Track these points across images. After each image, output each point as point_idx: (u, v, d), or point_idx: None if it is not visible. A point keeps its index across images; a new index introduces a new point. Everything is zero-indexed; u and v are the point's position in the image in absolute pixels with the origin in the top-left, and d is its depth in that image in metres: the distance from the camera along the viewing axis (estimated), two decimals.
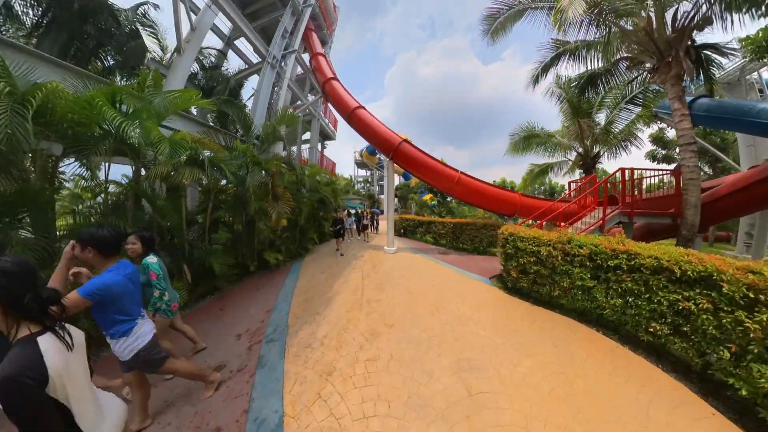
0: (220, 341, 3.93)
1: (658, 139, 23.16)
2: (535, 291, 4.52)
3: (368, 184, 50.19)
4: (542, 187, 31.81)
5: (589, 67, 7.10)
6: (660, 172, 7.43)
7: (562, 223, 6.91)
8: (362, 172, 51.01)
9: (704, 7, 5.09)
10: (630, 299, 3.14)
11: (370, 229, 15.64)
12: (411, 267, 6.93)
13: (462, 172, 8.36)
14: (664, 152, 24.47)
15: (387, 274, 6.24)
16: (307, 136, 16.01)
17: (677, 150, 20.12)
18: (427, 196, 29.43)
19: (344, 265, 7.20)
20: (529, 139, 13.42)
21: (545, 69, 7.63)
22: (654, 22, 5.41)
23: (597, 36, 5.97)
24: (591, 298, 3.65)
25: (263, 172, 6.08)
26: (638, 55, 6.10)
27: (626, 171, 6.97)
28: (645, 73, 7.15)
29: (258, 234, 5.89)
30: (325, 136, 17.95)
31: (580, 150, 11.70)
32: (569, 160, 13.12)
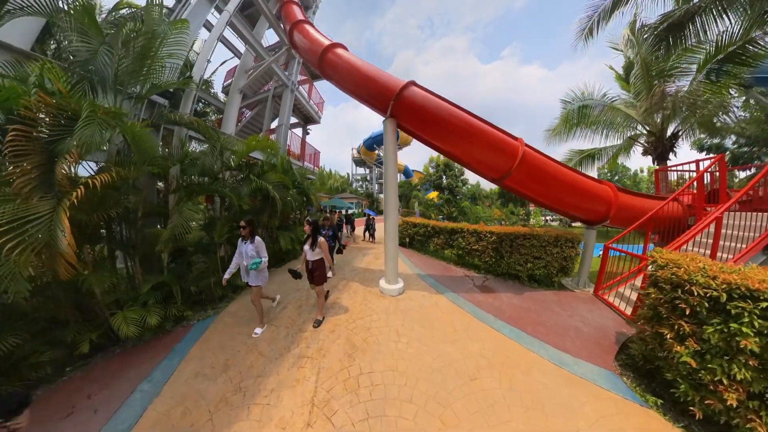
0: None
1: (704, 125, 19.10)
2: None
3: (366, 183, 46.50)
4: None
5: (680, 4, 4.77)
6: None
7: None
8: (360, 170, 47.53)
9: None
10: None
11: (366, 236, 11.67)
12: (444, 355, 2.99)
13: (526, 144, 4.42)
14: (716, 141, 19.89)
15: (383, 402, 2.34)
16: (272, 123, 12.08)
17: (731, 138, 15.87)
18: (433, 194, 25.54)
19: (281, 347, 3.24)
20: (584, 110, 9.68)
21: (611, 10, 5.02)
22: None
23: None
24: None
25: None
26: None
27: None
28: None
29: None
30: (308, 118, 14.11)
31: (648, 128, 8.33)
32: (639, 142, 9.27)
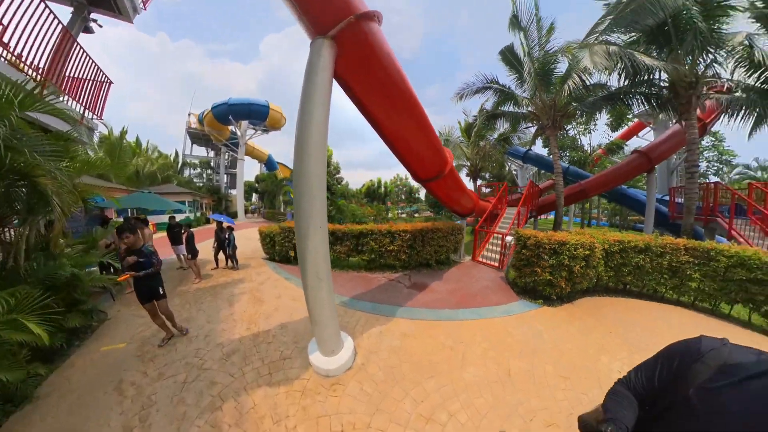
0: None
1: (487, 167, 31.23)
2: (573, 289, 4.50)
3: (210, 171, 32.02)
4: (404, 188, 34.26)
5: (503, 109, 9.78)
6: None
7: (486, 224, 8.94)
8: (200, 152, 32.84)
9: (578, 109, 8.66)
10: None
11: (219, 260, 6.48)
12: (482, 387, 2.25)
13: None
14: (486, 175, 31.95)
15: None
16: None
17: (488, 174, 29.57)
18: None
19: None
20: (446, 143, 14.64)
21: (474, 92, 9.19)
22: (556, 102, 8.23)
23: (523, 90, 8.97)
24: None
25: None
26: (539, 114, 8.66)
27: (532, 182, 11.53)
28: (529, 127, 10.60)
29: None
30: None
31: (470, 162, 15.54)
32: (465, 168, 16.58)
